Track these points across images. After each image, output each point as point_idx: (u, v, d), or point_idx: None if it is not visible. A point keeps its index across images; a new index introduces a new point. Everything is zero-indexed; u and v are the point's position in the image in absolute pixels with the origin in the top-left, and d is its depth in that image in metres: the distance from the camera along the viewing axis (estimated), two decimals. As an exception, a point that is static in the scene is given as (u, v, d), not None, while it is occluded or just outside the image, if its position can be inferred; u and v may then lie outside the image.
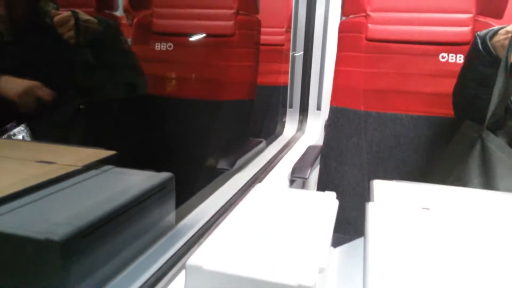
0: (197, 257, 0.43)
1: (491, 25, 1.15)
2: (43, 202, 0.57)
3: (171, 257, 0.58)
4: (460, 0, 1.17)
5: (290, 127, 1.57)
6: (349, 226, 1.14)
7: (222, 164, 1.03)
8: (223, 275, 0.41)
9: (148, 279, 0.52)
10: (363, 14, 1.23)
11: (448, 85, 1.17)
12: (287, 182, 1.06)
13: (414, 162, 1.17)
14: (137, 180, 0.66)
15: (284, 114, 1.62)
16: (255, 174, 1.02)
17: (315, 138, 1.51)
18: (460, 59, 1.18)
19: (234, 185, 0.92)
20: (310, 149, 1.25)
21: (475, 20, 1.17)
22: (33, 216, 0.53)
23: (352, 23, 1.25)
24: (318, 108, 1.59)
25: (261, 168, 1.08)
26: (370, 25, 1.22)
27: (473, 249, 0.47)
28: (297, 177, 1.04)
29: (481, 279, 0.41)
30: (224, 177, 0.98)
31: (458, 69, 1.18)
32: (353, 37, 1.24)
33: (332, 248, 0.61)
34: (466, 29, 1.18)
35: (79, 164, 0.72)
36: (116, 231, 0.55)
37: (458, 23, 1.18)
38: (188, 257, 0.43)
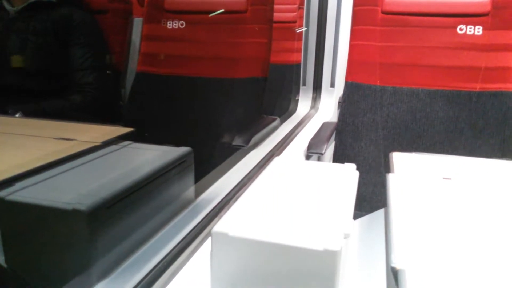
0: (222, 225, 0.43)
1: (511, -5, 1.12)
2: (66, 176, 0.58)
3: (194, 228, 0.58)
4: (480, -30, 1.14)
5: (303, 105, 1.56)
6: (365, 203, 1.14)
7: (237, 141, 1.03)
8: (248, 241, 0.41)
9: (173, 249, 0.53)
10: (379, -14, 1.20)
11: (466, 58, 1.15)
12: (303, 158, 1.06)
13: (431, 137, 1.15)
14: (157, 154, 0.67)
15: (297, 92, 1.61)
16: (271, 150, 1.03)
17: (329, 115, 1.50)
18: (478, 31, 1.15)
19: (251, 161, 0.93)
20: (325, 125, 1.24)
21: (495, -10, 1.13)
22: (58, 188, 0.54)
23: (367, -4, 1.23)
24: (332, 85, 1.58)
25: (276, 145, 1.08)
26: (385, -2, 1.20)
27: (495, 219, 0.47)
28: (313, 153, 1.04)
29: (502, 248, 0.41)
30: (240, 153, 0.98)
31: (477, 41, 1.15)
32: (369, 10, 1.22)
33: (352, 220, 0.61)
34: (485, 0, 1.14)
35: (99, 141, 0.73)
36: (139, 203, 0.56)
37: (477, -6, 1.15)
38: (211, 228, 0.43)
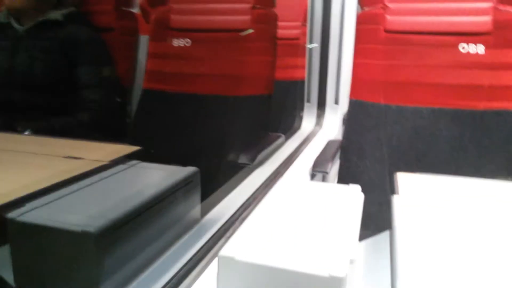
0: (229, 248, 0.44)
1: (512, 14, 1.14)
2: (75, 196, 0.59)
3: (200, 249, 0.59)
4: (480, -11, 1.15)
5: (308, 121, 1.57)
6: (370, 221, 1.13)
7: (242, 159, 1.04)
8: (254, 266, 0.42)
9: (179, 270, 0.53)
10: (381, 5, 1.22)
11: (469, 76, 1.16)
12: (308, 176, 1.06)
13: (435, 156, 1.16)
14: (164, 174, 0.67)
15: (302, 108, 1.62)
16: (276, 169, 1.03)
17: (333, 132, 1.50)
18: (481, 49, 1.16)
19: (256, 180, 0.93)
20: (330, 143, 1.25)
21: (495, 9, 1.15)
22: (67, 209, 0.55)
23: (369, 14, 1.25)
24: (336, 102, 1.59)
25: (282, 163, 1.08)
26: (388, 16, 1.21)
27: (503, 242, 0.47)
28: (318, 171, 1.05)
29: (505, 270, 0.41)
30: (246, 172, 0.99)
31: (479, 59, 1.16)
32: (371, 29, 1.23)
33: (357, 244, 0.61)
34: (486, 18, 1.16)
35: (106, 159, 0.74)
36: (146, 224, 0.57)
37: (478, 12, 1.16)
38: (217, 250, 0.44)
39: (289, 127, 1.59)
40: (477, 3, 1.16)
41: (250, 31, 1.31)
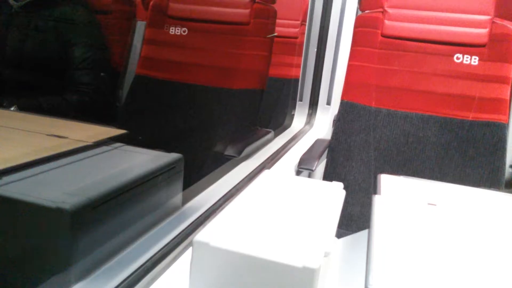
0: (204, 234, 0.43)
1: (509, 28, 1.14)
2: (54, 173, 0.58)
3: (177, 235, 0.58)
4: (479, 1, 1.16)
5: (298, 120, 1.57)
6: (352, 222, 1.14)
7: (229, 151, 1.03)
8: (229, 253, 0.42)
9: (155, 254, 0.53)
10: (380, 9, 1.22)
11: (461, 86, 1.17)
12: (293, 173, 1.06)
13: (421, 162, 1.16)
14: (147, 159, 0.67)
15: (294, 107, 1.62)
16: (262, 163, 1.03)
17: (323, 132, 1.51)
18: (475, 61, 1.17)
19: (241, 172, 0.93)
20: (318, 142, 1.25)
21: (492, 23, 1.16)
22: (44, 185, 0.54)
23: (368, 18, 1.25)
24: (328, 103, 1.59)
25: (268, 158, 1.08)
26: (386, 21, 1.22)
27: (476, 246, 0.47)
28: (304, 168, 1.05)
29: (481, 276, 0.41)
30: (232, 163, 0.99)
31: (472, 71, 1.17)
32: (369, 33, 1.24)
33: (335, 239, 0.61)
34: (483, 31, 1.17)
35: (90, 140, 0.73)
36: (125, 206, 0.56)
37: (475, 25, 1.17)
38: (194, 237, 0.43)
39: (280, 124, 1.59)
40: (476, 15, 1.17)
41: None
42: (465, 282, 0.39)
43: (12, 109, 1.02)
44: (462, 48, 1.18)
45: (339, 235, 0.64)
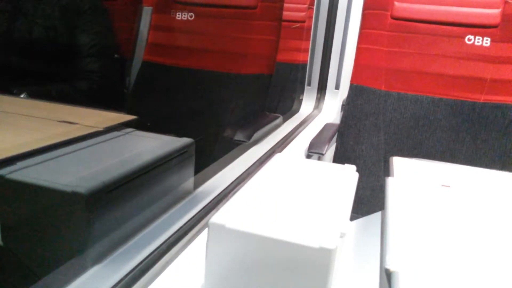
0: (219, 216, 0.43)
1: (522, 8, 1.12)
2: (68, 158, 0.59)
3: (191, 218, 0.59)
4: (491, -19, 1.14)
5: (307, 104, 1.56)
6: (362, 206, 1.14)
7: (239, 136, 1.03)
8: (244, 234, 0.42)
9: (170, 237, 0.53)
10: (390, -9, 1.20)
11: (472, 68, 1.15)
12: (303, 157, 1.06)
13: (432, 145, 1.15)
14: (159, 143, 0.67)
15: (302, 92, 1.61)
16: (272, 147, 1.03)
17: (332, 117, 1.50)
18: (486, 42, 1.15)
19: (251, 156, 0.93)
20: (327, 126, 1.24)
21: (505, 2, 1.13)
22: (59, 170, 0.54)
23: (377, 0, 1.23)
24: (337, 87, 1.58)
25: (278, 142, 1.08)
26: (396, 3, 1.20)
27: (491, 227, 0.47)
28: (314, 153, 1.04)
29: (498, 257, 0.41)
30: (242, 148, 0.99)
31: (484, 52, 1.15)
32: (378, 15, 1.22)
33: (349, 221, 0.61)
34: (495, 11, 1.14)
35: (101, 126, 0.73)
36: (138, 190, 0.56)
37: (487, 5, 1.15)
38: (208, 220, 0.44)
39: (288, 109, 1.58)
40: (487, -5, 1.15)
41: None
42: (482, 263, 0.39)
43: (22, 96, 1.02)
44: (473, 29, 1.16)
45: (350, 218, 0.64)
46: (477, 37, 1.16)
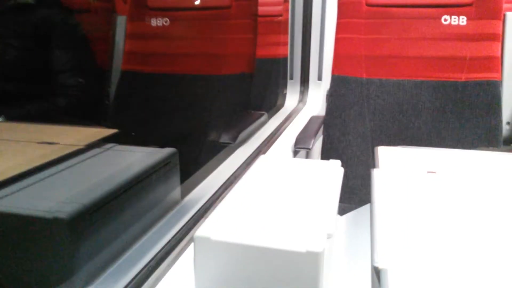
0: (204, 229, 0.43)
1: (494, -15, 1.12)
2: (48, 182, 0.57)
3: (179, 231, 0.58)
4: (462, -41, 1.14)
5: (291, 98, 1.56)
6: (354, 196, 1.14)
7: (224, 138, 1.02)
8: (231, 245, 0.41)
9: (158, 253, 0.53)
10: (362, -22, 1.20)
11: (451, 48, 1.15)
12: (291, 153, 1.06)
13: (418, 128, 1.16)
14: (141, 156, 0.66)
15: (285, 86, 1.61)
16: (258, 147, 1.02)
17: (317, 109, 1.49)
18: (463, 21, 1.15)
19: (237, 158, 0.92)
20: (312, 119, 1.24)
21: (477, -20, 1.14)
22: (39, 195, 0.53)
23: (351, -12, 1.22)
24: (319, 78, 1.57)
25: (264, 141, 1.07)
26: (370, -10, 1.19)
27: (480, 211, 0.47)
28: (300, 148, 1.04)
29: (486, 243, 0.41)
30: (228, 151, 0.98)
31: (461, 31, 1.15)
32: (353, 3, 1.21)
33: (338, 216, 0.61)
34: (469, -11, 1.15)
35: (82, 143, 0.72)
36: (123, 207, 0.55)
37: (461, -16, 1.15)
38: (196, 230, 0.43)
39: (273, 105, 1.57)
40: (460, -26, 1.15)
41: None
42: (474, 255, 0.39)
43: (-1, 120, 1.00)
44: (449, 9, 1.16)
45: (341, 210, 0.64)
46: (453, 17, 1.16)
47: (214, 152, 0.98)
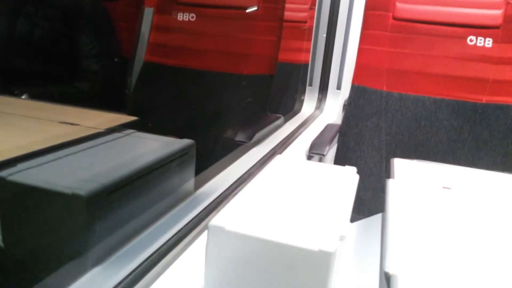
0: (219, 219, 0.43)
1: (524, 9, 1.12)
2: (68, 160, 0.59)
3: (191, 220, 0.59)
4: (493, -19, 1.13)
5: (308, 105, 1.56)
6: (363, 207, 1.14)
7: (240, 137, 1.03)
8: (244, 237, 0.42)
9: (170, 239, 0.53)
10: (392, -9, 1.20)
11: (475, 69, 1.15)
12: (304, 158, 1.06)
13: (434, 146, 1.15)
14: (159, 145, 0.67)
15: (303, 92, 1.61)
16: (273, 148, 1.03)
17: (333, 117, 1.50)
18: (488, 43, 1.15)
19: (252, 157, 0.93)
20: (328, 127, 1.24)
21: (507, 3, 1.13)
22: (59, 172, 0.54)
23: (379, 0, 1.23)
24: (338, 87, 1.58)
25: (279, 143, 1.08)
26: (398, 4, 1.19)
27: (492, 230, 0.47)
28: (315, 153, 1.04)
29: (499, 260, 0.41)
30: (242, 149, 0.99)
31: (486, 53, 1.15)
32: (380, 15, 1.21)
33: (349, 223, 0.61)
34: (497, 12, 1.14)
35: (102, 127, 0.74)
36: (139, 191, 0.56)
37: (489, 6, 1.14)
38: (208, 221, 0.44)
39: (290, 109, 1.58)
40: (489, -4, 1.14)
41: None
42: (483, 266, 0.39)
43: (23, 97, 1.02)
44: (475, 30, 1.16)
45: (351, 219, 0.64)
46: (479, 38, 1.16)
47: (229, 149, 0.98)
